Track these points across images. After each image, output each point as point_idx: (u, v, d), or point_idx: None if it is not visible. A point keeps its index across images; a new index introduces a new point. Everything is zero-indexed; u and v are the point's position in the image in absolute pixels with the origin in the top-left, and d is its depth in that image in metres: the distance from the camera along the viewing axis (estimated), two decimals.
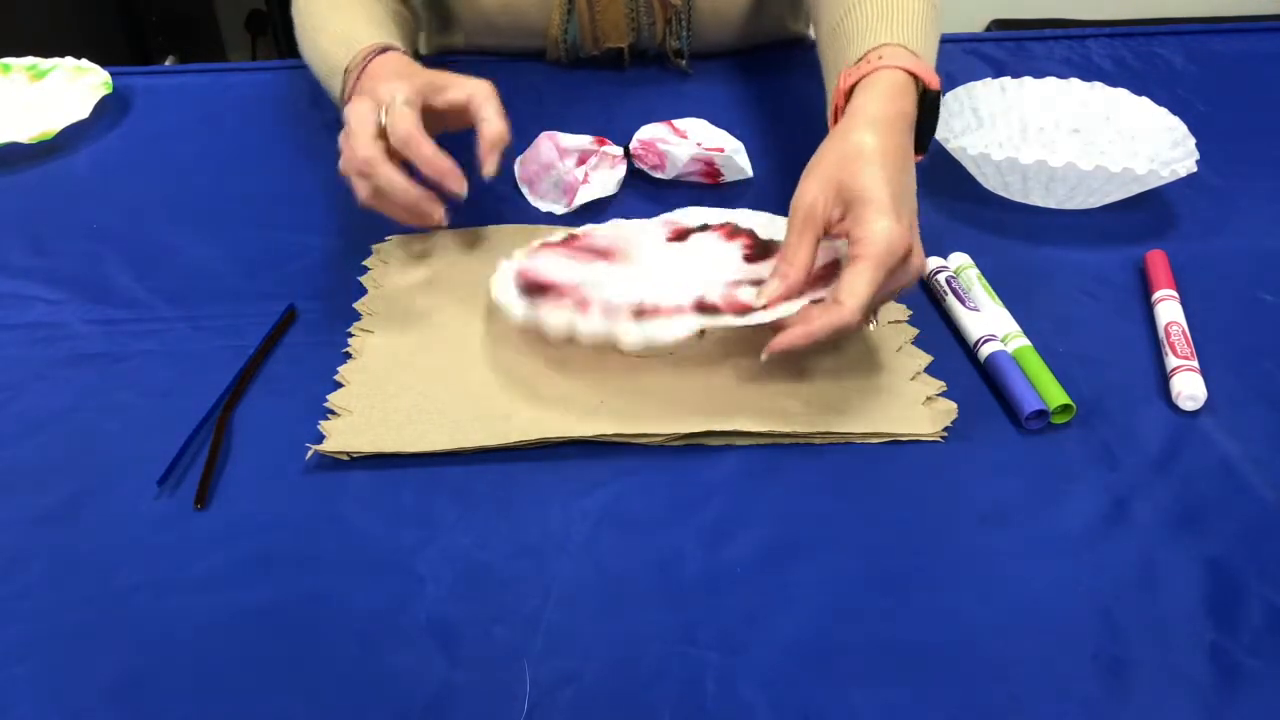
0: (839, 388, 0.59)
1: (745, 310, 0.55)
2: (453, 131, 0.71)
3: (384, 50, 0.72)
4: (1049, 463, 0.55)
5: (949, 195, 0.77)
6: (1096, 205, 0.75)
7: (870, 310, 0.55)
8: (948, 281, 0.66)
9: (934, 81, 0.62)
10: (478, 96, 0.68)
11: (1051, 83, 0.82)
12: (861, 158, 0.56)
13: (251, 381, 0.62)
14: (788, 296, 0.55)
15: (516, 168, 0.80)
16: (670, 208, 0.73)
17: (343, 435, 0.56)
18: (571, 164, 0.76)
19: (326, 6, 0.80)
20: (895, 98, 0.60)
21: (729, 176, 0.79)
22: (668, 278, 0.61)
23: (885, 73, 0.60)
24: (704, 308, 0.57)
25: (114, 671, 0.46)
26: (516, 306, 0.59)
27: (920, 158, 0.62)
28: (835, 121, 0.63)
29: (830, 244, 0.58)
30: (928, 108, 0.62)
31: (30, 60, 0.94)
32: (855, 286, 0.53)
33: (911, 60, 0.61)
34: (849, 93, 0.62)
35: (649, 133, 0.80)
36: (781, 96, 0.91)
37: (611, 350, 0.62)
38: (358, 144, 0.64)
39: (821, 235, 0.56)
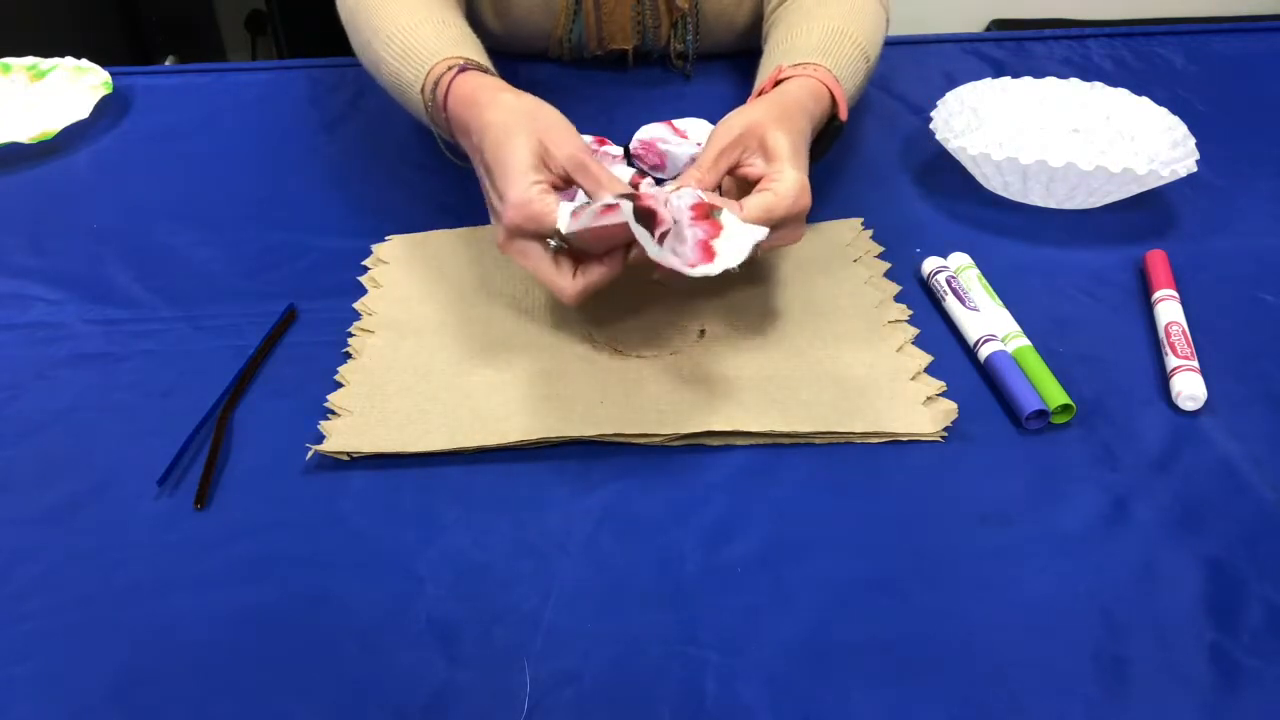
0: (839, 387, 0.59)
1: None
2: None
3: (464, 68, 0.69)
4: (1049, 463, 0.55)
5: (949, 195, 0.77)
6: (1096, 205, 0.75)
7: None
8: (948, 281, 0.66)
9: (844, 113, 0.71)
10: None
11: (1051, 83, 0.82)
12: (790, 123, 0.64)
13: (251, 381, 0.62)
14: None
15: None
16: None
17: (343, 435, 0.56)
18: None
19: None
20: (815, 99, 0.69)
21: None
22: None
23: (814, 82, 0.70)
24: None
25: (114, 671, 0.46)
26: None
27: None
28: (756, 95, 0.71)
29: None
30: (832, 132, 0.72)
31: (30, 60, 0.94)
32: (758, 202, 0.59)
33: (835, 86, 0.70)
34: (778, 81, 0.71)
35: (649, 132, 0.80)
36: None
37: (611, 351, 0.62)
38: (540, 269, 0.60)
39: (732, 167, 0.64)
